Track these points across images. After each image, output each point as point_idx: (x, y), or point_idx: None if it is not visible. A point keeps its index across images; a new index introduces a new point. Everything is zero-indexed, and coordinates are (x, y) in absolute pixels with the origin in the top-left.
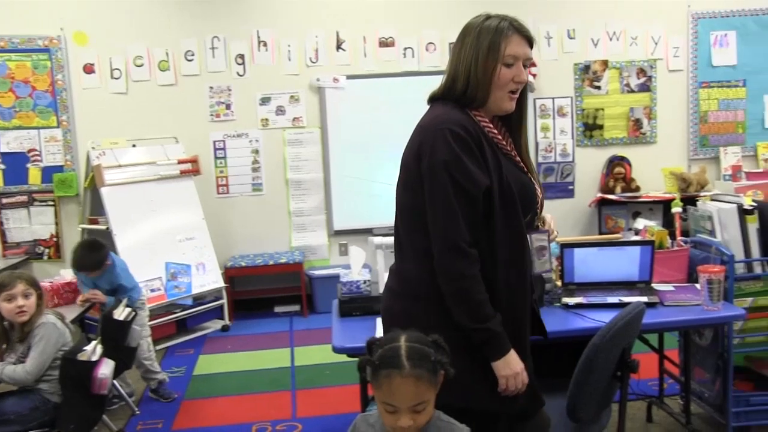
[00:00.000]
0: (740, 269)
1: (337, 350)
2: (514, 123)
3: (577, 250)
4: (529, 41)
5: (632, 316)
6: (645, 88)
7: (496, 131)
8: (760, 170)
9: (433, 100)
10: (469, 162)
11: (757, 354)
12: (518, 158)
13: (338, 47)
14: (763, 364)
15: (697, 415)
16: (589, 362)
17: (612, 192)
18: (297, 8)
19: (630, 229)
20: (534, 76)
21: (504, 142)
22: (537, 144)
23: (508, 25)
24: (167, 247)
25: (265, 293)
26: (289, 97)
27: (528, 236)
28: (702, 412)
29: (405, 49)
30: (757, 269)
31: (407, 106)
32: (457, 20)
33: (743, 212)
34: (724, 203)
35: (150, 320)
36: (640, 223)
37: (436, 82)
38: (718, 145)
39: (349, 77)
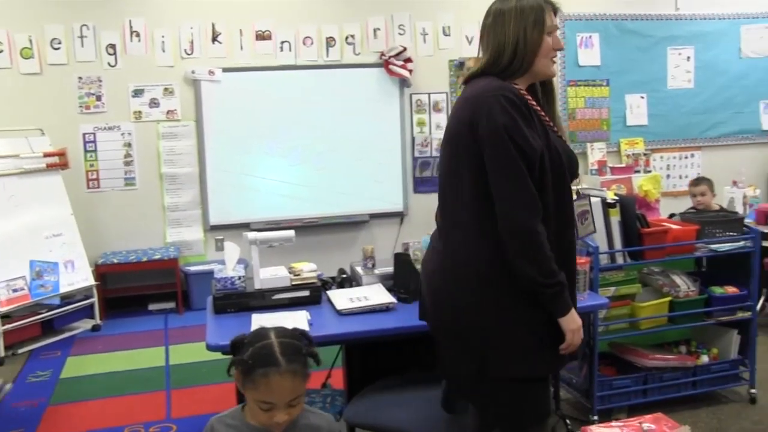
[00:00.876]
0: (604, 260)
1: (210, 348)
2: (547, 93)
3: None
4: (556, 12)
5: None
6: None
7: (534, 102)
8: (623, 165)
9: (474, 77)
10: (524, 126)
11: (619, 340)
12: (555, 127)
13: (214, 39)
14: (625, 349)
15: (566, 400)
16: None
17: None
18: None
19: None
20: (410, 71)
21: (542, 112)
22: (413, 139)
23: (544, 1)
24: (32, 244)
25: (139, 291)
26: (163, 89)
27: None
28: (570, 398)
29: (282, 42)
30: (620, 260)
31: (285, 101)
32: (334, 15)
33: (606, 206)
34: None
35: (11, 322)
36: None
37: (314, 77)
38: (585, 140)
39: (225, 70)
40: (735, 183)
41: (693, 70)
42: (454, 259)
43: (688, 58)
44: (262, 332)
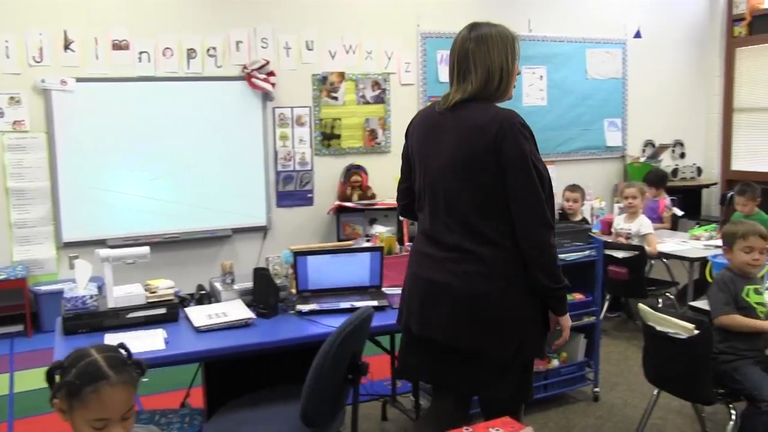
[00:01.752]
0: None
1: None
2: None
3: (310, 258)
4: None
5: (360, 321)
6: (380, 100)
7: None
8: None
9: (467, 100)
10: (537, 152)
11: None
12: None
13: (66, 47)
14: None
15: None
16: (320, 368)
17: (349, 200)
18: (15, 1)
19: (367, 236)
20: (273, 85)
21: None
22: (276, 153)
23: (514, 34)
24: None
25: None
26: (8, 98)
27: None
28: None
29: (140, 53)
30: None
31: (144, 113)
32: (195, 26)
33: None
34: None
35: None
36: (376, 229)
37: (174, 89)
38: None
39: (79, 80)
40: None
41: (546, 88)
42: (494, 267)
43: (541, 77)
44: (82, 351)
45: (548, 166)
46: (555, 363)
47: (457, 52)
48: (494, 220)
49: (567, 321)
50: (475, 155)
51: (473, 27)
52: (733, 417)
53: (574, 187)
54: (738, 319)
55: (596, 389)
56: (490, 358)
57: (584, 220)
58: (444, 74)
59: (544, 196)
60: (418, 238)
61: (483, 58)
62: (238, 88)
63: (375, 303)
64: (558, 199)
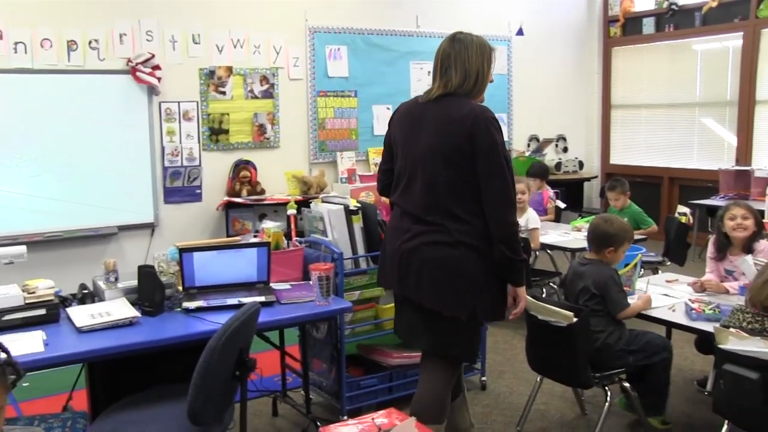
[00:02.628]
0: (348, 265)
1: None
2: None
3: (196, 254)
4: None
5: (247, 317)
6: (268, 94)
7: None
8: (371, 173)
9: (446, 95)
10: (503, 142)
11: (366, 341)
12: None
13: None
14: (372, 350)
15: (318, 403)
16: (206, 365)
17: (238, 195)
18: None
19: (256, 231)
20: (159, 79)
21: None
22: (163, 148)
23: (490, 44)
24: None
25: None
26: None
27: None
28: (322, 401)
29: (16, 43)
30: (363, 264)
31: (21, 107)
32: (76, 18)
33: (349, 212)
34: (333, 204)
35: None
36: (266, 225)
37: (54, 82)
38: (335, 150)
39: None
40: None
41: None
42: (459, 237)
43: (429, 72)
44: None
45: None
46: None
47: (441, 54)
48: (464, 200)
49: (523, 292)
50: (451, 143)
51: (457, 34)
52: (609, 398)
53: None
54: (636, 307)
55: (483, 378)
56: (447, 318)
57: None
58: (333, 69)
59: (510, 181)
60: (395, 212)
61: (463, 61)
62: (122, 81)
63: (262, 298)
64: None
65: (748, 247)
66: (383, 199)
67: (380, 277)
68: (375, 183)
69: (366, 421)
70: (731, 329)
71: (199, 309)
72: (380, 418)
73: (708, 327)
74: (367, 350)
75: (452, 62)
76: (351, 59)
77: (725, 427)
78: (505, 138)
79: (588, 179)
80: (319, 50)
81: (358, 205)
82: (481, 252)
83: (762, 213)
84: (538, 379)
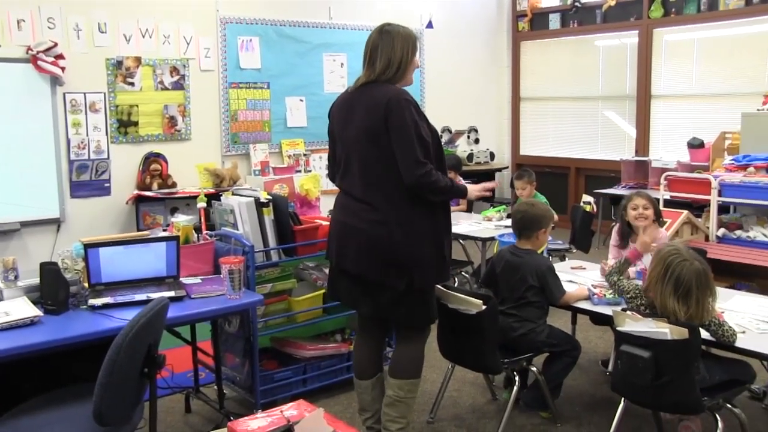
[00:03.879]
0: (260, 258)
1: None
2: None
3: (102, 250)
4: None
5: (154, 312)
6: (179, 86)
7: None
8: (285, 166)
9: (371, 82)
10: (419, 120)
11: (280, 334)
12: None
13: None
14: (285, 342)
15: (232, 398)
16: (112, 363)
17: (149, 189)
18: None
19: (168, 225)
20: (62, 69)
21: None
22: (69, 141)
23: (414, 33)
24: None
25: None
26: None
27: None
28: (236, 395)
29: None
30: (275, 257)
31: None
32: None
33: (260, 205)
34: (244, 197)
35: None
36: (178, 218)
37: None
38: (248, 142)
39: None
40: None
41: (347, 75)
42: (391, 216)
43: (342, 64)
44: None
45: None
46: None
47: (371, 45)
48: (393, 177)
49: (473, 192)
50: (374, 125)
51: (386, 26)
52: (518, 382)
53: None
54: (572, 295)
55: None
56: (387, 288)
57: None
58: (245, 61)
59: (420, 150)
60: (340, 194)
61: (388, 51)
62: (22, 70)
63: (172, 293)
64: None
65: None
66: (298, 189)
67: (327, 251)
68: (288, 175)
69: (275, 413)
70: (628, 312)
71: (105, 306)
72: (290, 410)
73: (609, 311)
74: (280, 343)
75: (379, 53)
76: (263, 51)
77: (621, 404)
78: None
79: (499, 170)
80: (230, 41)
81: (269, 197)
82: (413, 226)
83: (658, 201)
84: (449, 367)
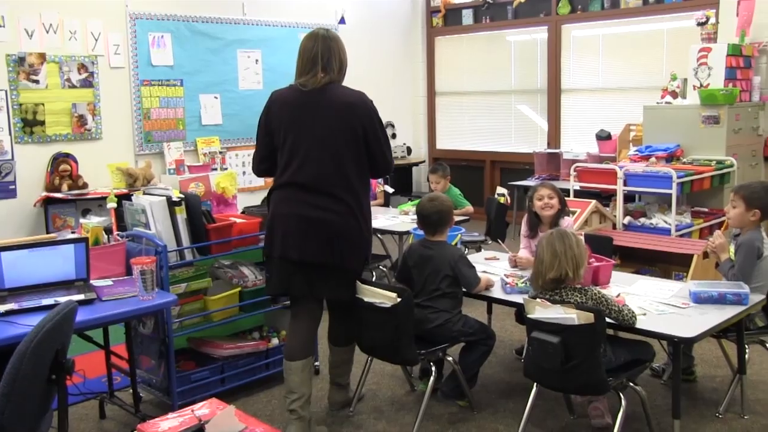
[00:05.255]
0: (173, 258)
1: None
2: None
3: (5, 254)
4: None
5: (61, 317)
6: (87, 83)
7: None
8: (201, 164)
9: (330, 83)
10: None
11: (196, 334)
12: None
13: None
14: (202, 342)
15: (149, 401)
16: (15, 372)
17: (58, 190)
18: None
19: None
20: None
21: None
22: None
23: None
24: None
25: None
26: None
27: None
28: (153, 398)
29: None
30: (189, 256)
31: None
32: None
33: (172, 204)
34: (155, 196)
35: None
36: (88, 220)
37: None
38: (161, 140)
39: None
40: None
41: (261, 72)
42: (354, 205)
43: (257, 60)
44: None
45: None
46: (275, 342)
47: (320, 49)
48: (353, 172)
49: None
50: (346, 123)
51: (324, 31)
52: (434, 372)
53: None
54: (484, 281)
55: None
56: (348, 271)
57: None
58: (156, 57)
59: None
60: (289, 189)
61: (338, 54)
62: None
63: (81, 297)
64: None
65: (555, 224)
66: (215, 188)
67: (268, 247)
68: (204, 173)
69: (186, 413)
70: (538, 300)
71: (9, 312)
72: (201, 409)
73: (521, 299)
74: (197, 343)
75: (332, 55)
76: (176, 47)
77: (534, 389)
78: None
79: (416, 164)
80: (141, 38)
81: (181, 196)
82: (363, 214)
83: (568, 192)
84: (367, 360)
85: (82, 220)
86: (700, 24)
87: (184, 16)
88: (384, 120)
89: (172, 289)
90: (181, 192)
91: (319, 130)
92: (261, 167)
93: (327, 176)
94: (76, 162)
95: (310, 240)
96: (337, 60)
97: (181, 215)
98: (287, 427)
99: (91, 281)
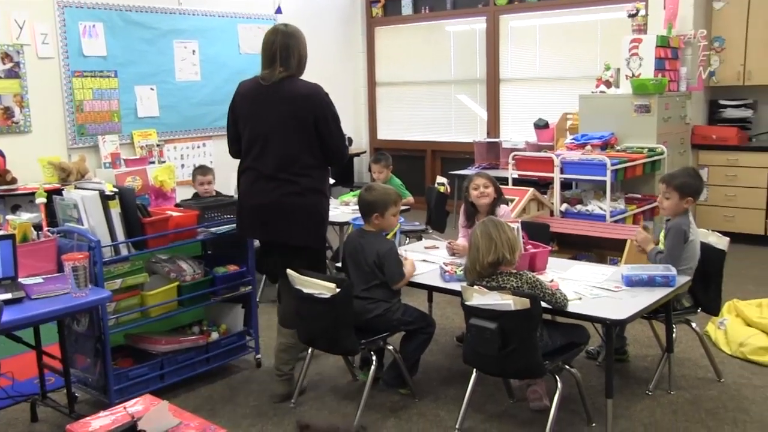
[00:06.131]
0: (108, 253)
1: None
2: None
3: None
4: None
5: None
6: (13, 74)
7: None
8: (138, 157)
9: (288, 77)
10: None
11: (134, 330)
12: None
13: None
14: (140, 338)
15: (85, 401)
16: None
17: None
18: None
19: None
20: None
21: None
22: None
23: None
24: None
25: None
26: None
27: None
28: (89, 398)
29: None
30: (124, 251)
31: None
32: None
33: (105, 198)
34: (88, 191)
35: None
36: (17, 216)
37: None
38: (96, 133)
39: None
40: None
41: (199, 63)
42: (309, 188)
43: (194, 51)
44: None
45: (205, 142)
46: (215, 336)
47: (280, 44)
48: (310, 156)
49: None
50: (302, 113)
51: (284, 27)
52: (375, 361)
53: (206, 170)
54: (408, 276)
55: (258, 356)
56: (313, 249)
57: (219, 194)
58: (88, 47)
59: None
60: (251, 174)
61: (297, 49)
62: None
63: (9, 295)
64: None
65: (492, 213)
66: (153, 181)
67: (240, 230)
68: (141, 167)
69: (118, 410)
70: (475, 287)
71: None
72: (134, 406)
73: (459, 287)
74: (135, 339)
75: (291, 51)
76: (108, 37)
77: (474, 375)
78: None
79: (358, 155)
80: (71, 27)
81: (115, 190)
82: (318, 195)
83: (506, 180)
84: (309, 351)
85: (9, 217)
86: (631, 16)
87: (117, 5)
88: None
89: (107, 285)
90: (115, 186)
91: (274, 121)
92: (231, 150)
93: (282, 162)
94: (3, 156)
95: (271, 222)
96: (295, 56)
97: (115, 209)
98: (276, 386)
99: (20, 279)
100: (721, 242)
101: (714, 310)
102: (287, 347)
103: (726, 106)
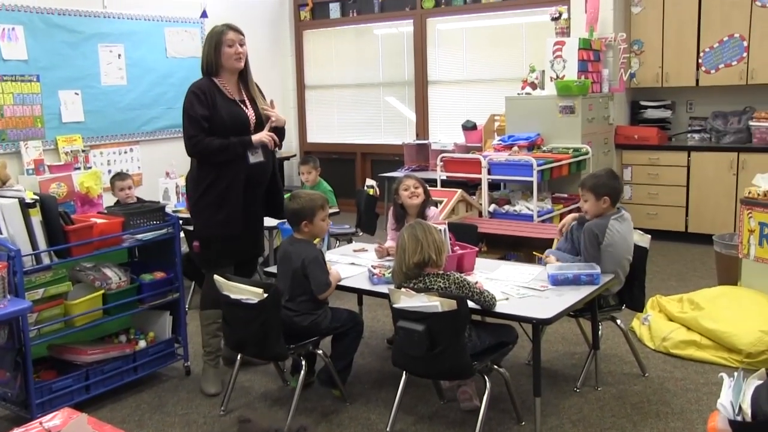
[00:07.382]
0: (29, 262)
1: None
2: (244, 78)
3: None
4: (239, 32)
5: None
6: None
7: (227, 86)
8: (62, 163)
9: (204, 75)
10: (196, 104)
11: (58, 341)
12: (243, 99)
13: None
14: (65, 349)
15: (4, 417)
16: None
17: None
18: None
19: None
20: None
21: (231, 91)
22: None
23: (223, 28)
24: None
25: None
26: None
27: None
28: (9, 413)
29: None
30: (46, 260)
31: None
32: None
33: (26, 206)
34: (7, 198)
35: None
36: None
37: None
38: (18, 139)
39: None
40: (168, 174)
41: (125, 67)
42: (192, 179)
43: (119, 55)
44: None
45: (133, 147)
46: (142, 344)
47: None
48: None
49: (257, 139)
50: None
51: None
52: (304, 366)
53: (123, 176)
54: (333, 285)
55: (187, 364)
56: (201, 236)
57: (140, 200)
58: (8, 51)
59: (191, 128)
60: None
61: (204, 51)
62: None
63: None
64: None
65: (421, 214)
66: (78, 187)
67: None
68: (66, 173)
69: (34, 426)
70: (402, 289)
71: None
72: (52, 420)
73: (387, 290)
74: (59, 350)
75: (203, 54)
76: (29, 40)
77: (404, 377)
78: None
79: (287, 158)
80: None
81: (36, 197)
82: (195, 188)
83: (435, 182)
84: (238, 357)
85: None
86: (554, 19)
87: (38, 8)
88: None
89: (27, 295)
90: (35, 193)
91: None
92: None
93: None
94: None
95: None
96: (204, 57)
97: (36, 217)
98: (204, 373)
99: None
100: (643, 240)
101: (638, 306)
102: (213, 329)
103: (647, 107)
